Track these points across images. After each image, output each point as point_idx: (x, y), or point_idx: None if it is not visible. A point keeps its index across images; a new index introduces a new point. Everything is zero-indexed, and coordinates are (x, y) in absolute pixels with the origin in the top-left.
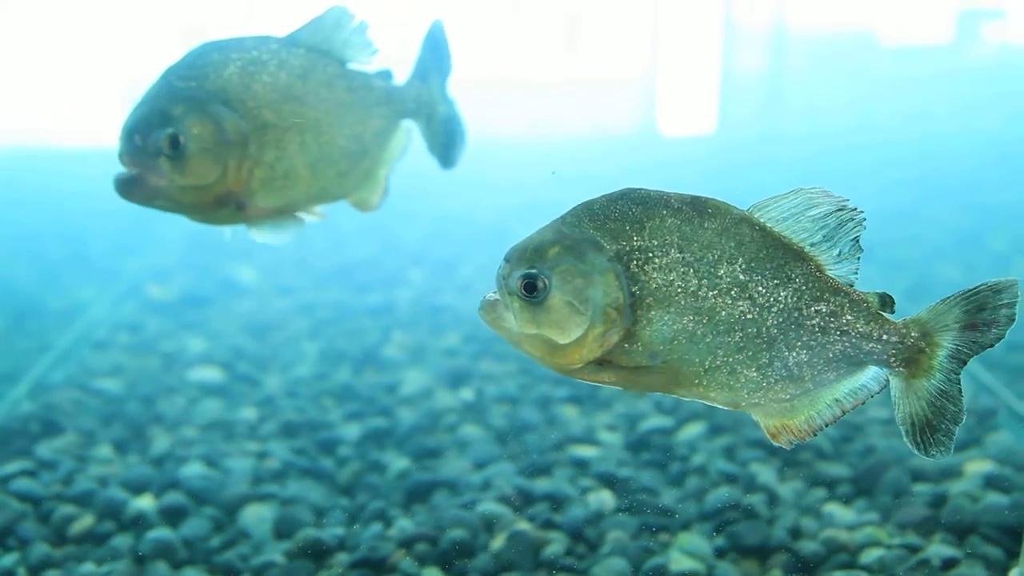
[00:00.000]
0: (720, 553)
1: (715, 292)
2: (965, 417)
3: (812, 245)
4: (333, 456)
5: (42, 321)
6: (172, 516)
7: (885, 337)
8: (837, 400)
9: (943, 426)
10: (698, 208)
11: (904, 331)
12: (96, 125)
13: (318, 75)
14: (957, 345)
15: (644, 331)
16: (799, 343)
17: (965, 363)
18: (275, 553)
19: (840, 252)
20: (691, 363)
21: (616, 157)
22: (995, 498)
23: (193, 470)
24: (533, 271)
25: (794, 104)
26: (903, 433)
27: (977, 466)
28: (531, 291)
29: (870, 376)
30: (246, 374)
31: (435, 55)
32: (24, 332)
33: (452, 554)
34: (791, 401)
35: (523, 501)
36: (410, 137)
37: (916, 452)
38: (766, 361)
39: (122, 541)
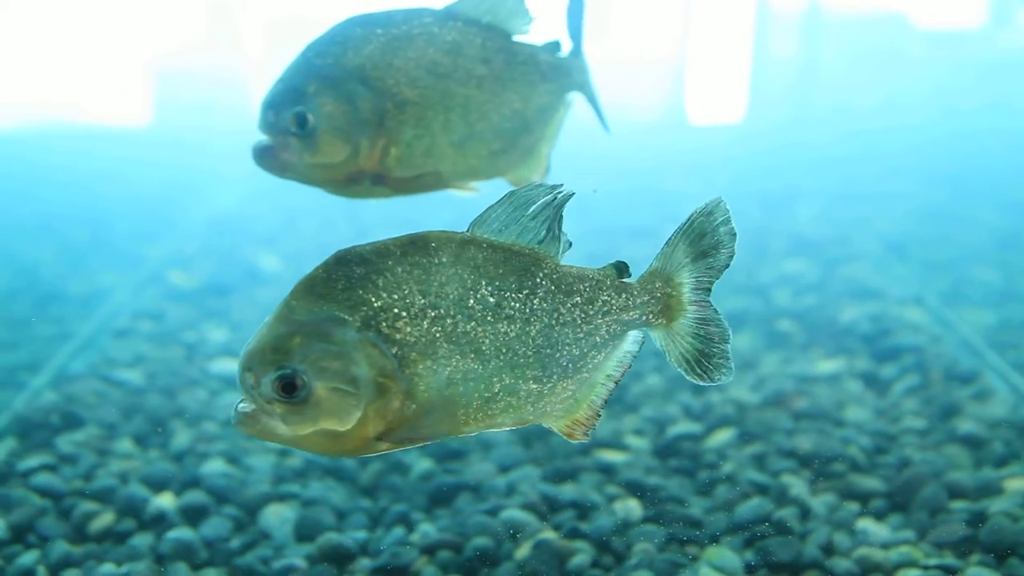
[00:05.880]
0: (750, 569)
1: (472, 324)
2: (731, 337)
3: (540, 243)
4: None
5: (64, 307)
6: (193, 515)
7: (638, 300)
8: (608, 376)
9: (716, 350)
10: (421, 247)
11: (649, 287)
12: (120, 101)
13: (472, 49)
14: (696, 276)
15: (418, 387)
16: (568, 341)
17: (709, 290)
18: (296, 557)
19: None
20: (471, 399)
21: (642, 141)
22: None
23: (215, 467)
24: (285, 371)
25: (826, 89)
26: (683, 373)
27: (1019, 483)
28: (291, 392)
29: (630, 341)
30: None
31: (577, 22)
32: (47, 318)
33: (476, 563)
34: (573, 396)
35: (548, 508)
36: (569, 111)
37: (702, 383)
38: (540, 371)
39: (142, 540)
